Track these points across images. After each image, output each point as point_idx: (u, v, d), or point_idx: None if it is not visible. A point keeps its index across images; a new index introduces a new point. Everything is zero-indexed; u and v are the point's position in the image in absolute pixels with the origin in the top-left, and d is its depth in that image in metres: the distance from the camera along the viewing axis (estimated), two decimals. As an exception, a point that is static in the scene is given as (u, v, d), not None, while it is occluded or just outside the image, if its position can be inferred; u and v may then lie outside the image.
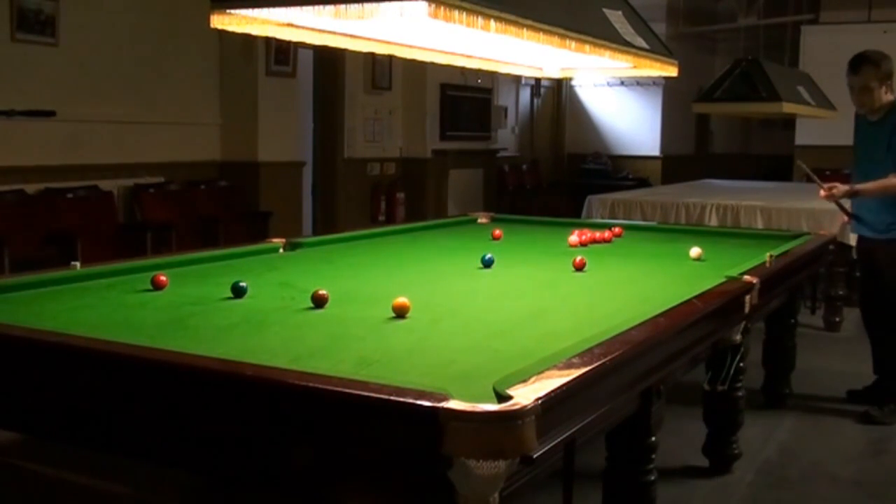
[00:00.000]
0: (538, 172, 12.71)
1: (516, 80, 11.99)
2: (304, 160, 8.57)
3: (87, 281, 2.96)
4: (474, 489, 1.56)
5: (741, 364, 3.43)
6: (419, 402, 1.61)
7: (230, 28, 2.64)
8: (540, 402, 1.62)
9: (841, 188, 4.44)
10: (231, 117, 7.77)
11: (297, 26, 2.84)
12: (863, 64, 4.38)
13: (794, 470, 3.74)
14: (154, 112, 7.05)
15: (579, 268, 3.41)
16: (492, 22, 2.45)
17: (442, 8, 2.24)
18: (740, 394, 3.62)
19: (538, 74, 4.52)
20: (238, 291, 2.76)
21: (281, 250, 3.81)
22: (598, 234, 4.39)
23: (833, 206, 4.87)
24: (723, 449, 3.65)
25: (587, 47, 3.04)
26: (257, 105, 7.69)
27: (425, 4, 2.21)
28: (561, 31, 2.81)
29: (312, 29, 2.90)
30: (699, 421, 3.64)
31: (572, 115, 13.50)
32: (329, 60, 8.75)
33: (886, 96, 4.37)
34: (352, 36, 3.10)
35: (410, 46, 3.41)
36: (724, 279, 3.13)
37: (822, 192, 4.48)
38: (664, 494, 2.78)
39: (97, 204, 6.50)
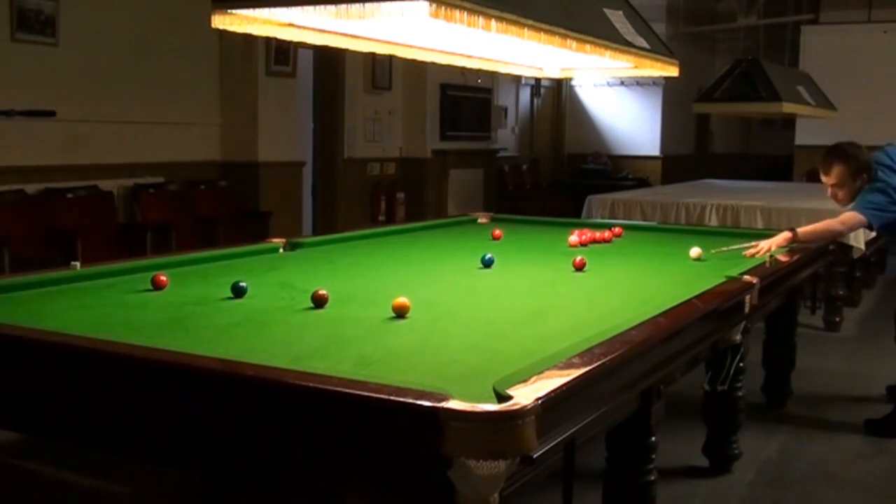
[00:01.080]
0: (538, 172, 12.71)
1: (516, 80, 11.99)
2: (304, 160, 8.57)
3: (87, 281, 2.96)
4: (474, 489, 1.56)
5: (741, 364, 3.42)
6: (419, 402, 1.61)
7: (231, 28, 2.65)
8: (540, 402, 1.62)
9: (777, 238, 3.96)
10: (231, 117, 7.77)
11: (297, 26, 2.84)
12: (833, 164, 4.15)
13: (794, 470, 3.74)
14: (154, 112, 7.05)
15: (579, 268, 3.41)
16: (492, 22, 2.45)
17: (442, 8, 2.25)
18: (740, 394, 3.62)
19: (538, 74, 4.52)
20: (238, 291, 2.76)
21: (281, 250, 3.81)
22: (598, 234, 4.39)
23: (832, 206, 4.84)
24: (723, 449, 3.65)
25: (587, 47, 3.04)
26: (257, 105, 7.69)
27: (425, 4, 2.21)
28: (561, 31, 2.81)
29: (313, 29, 2.91)
30: (699, 421, 3.64)
31: (572, 115, 13.51)
32: (329, 60, 8.75)
33: (861, 184, 4.11)
34: (352, 36, 3.10)
35: (410, 46, 3.41)
36: (724, 279, 3.13)
37: (751, 251, 3.87)
38: (664, 494, 2.78)
39: (97, 204, 6.50)
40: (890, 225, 4.12)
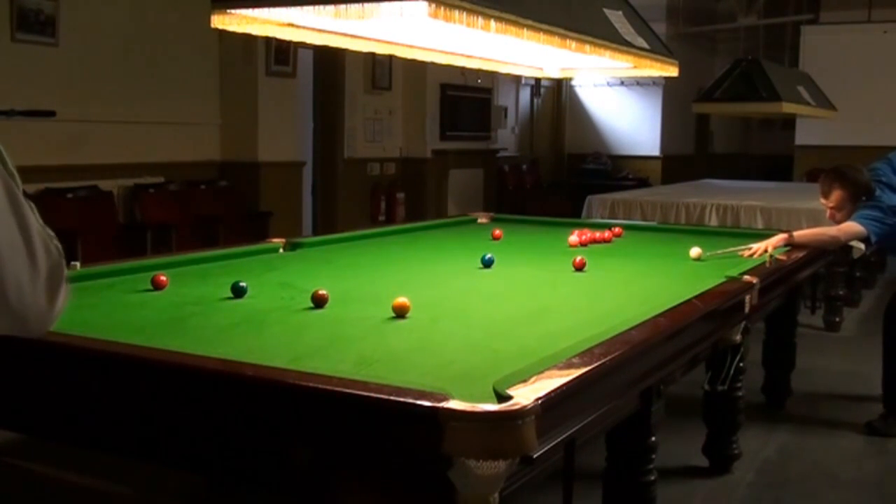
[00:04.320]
0: (538, 172, 12.71)
1: (516, 80, 11.98)
2: (304, 160, 8.57)
3: (87, 281, 2.96)
4: (474, 489, 1.56)
5: (741, 364, 3.42)
6: (419, 402, 1.61)
7: (230, 28, 2.65)
8: (540, 402, 1.62)
9: (774, 239, 3.95)
10: (231, 117, 7.77)
11: (297, 26, 2.84)
12: (833, 188, 4.18)
13: (794, 470, 3.75)
14: (154, 112, 7.05)
15: (579, 268, 3.41)
16: (492, 22, 2.45)
17: (442, 8, 2.25)
18: (740, 394, 3.62)
19: (538, 74, 4.52)
20: (238, 291, 2.76)
21: (281, 250, 3.81)
22: (598, 234, 4.39)
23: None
24: (723, 449, 3.65)
25: (587, 47, 3.04)
26: (257, 105, 7.69)
27: (425, 4, 2.21)
28: (561, 31, 2.81)
29: (312, 29, 2.91)
30: (699, 421, 3.64)
31: (572, 115, 13.50)
32: (329, 60, 8.75)
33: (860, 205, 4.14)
34: (352, 36, 3.10)
35: (410, 46, 3.42)
36: (724, 279, 3.13)
37: (747, 252, 3.83)
38: (664, 494, 2.78)
39: (97, 204, 6.50)
40: (888, 237, 4.13)
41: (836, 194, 4.19)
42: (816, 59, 11.11)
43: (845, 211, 4.19)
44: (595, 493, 2.58)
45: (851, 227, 4.12)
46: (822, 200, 4.28)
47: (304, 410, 1.76)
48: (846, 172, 4.21)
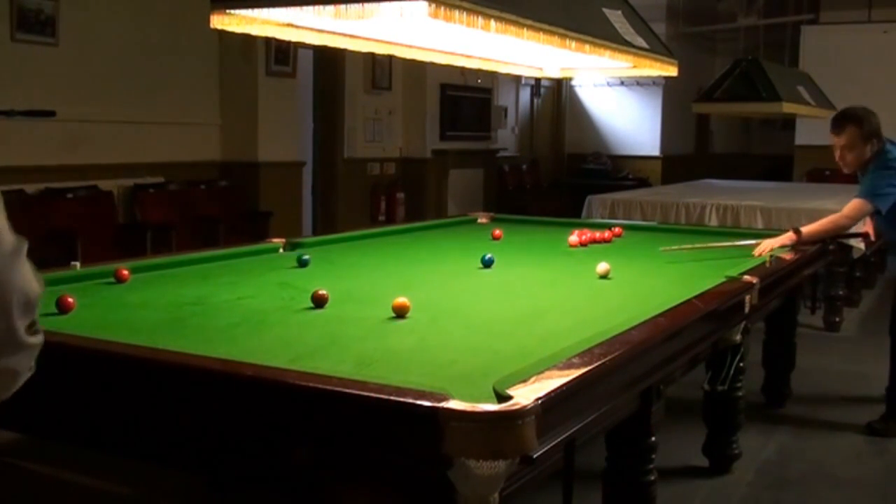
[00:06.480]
0: (538, 172, 12.70)
1: (516, 80, 11.98)
2: (304, 160, 8.57)
3: (87, 281, 2.96)
4: (474, 489, 1.56)
5: (741, 364, 3.42)
6: (419, 402, 1.61)
7: (230, 28, 2.65)
8: (540, 402, 1.62)
9: (779, 238, 3.97)
10: (231, 117, 7.76)
11: (297, 26, 2.84)
12: (846, 124, 4.13)
13: (794, 470, 3.74)
14: (154, 112, 7.05)
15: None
16: (492, 22, 2.45)
17: (442, 8, 2.25)
18: (740, 394, 3.62)
19: (538, 74, 4.52)
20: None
21: (281, 250, 3.82)
22: (598, 234, 4.39)
23: (832, 206, 4.83)
24: (723, 449, 3.65)
25: (587, 47, 3.04)
26: (257, 105, 7.68)
27: (425, 4, 2.21)
28: (561, 31, 2.81)
29: (312, 29, 2.91)
30: (699, 421, 3.64)
31: (572, 115, 13.50)
32: (329, 60, 8.75)
33: (871, 151, 4.11)
34: (352, 36, 3.10)
35: (410, 46, 3.42)
36: (724, 279, 3.13)
37: (757, 250, 3.88)
38: (664, 494, 2.78)
39: (97, 204, 6.50)
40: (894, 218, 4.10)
41: (849, 131, 4.11)
42: (816, 59, 11.10)
43: (856, 153, 4.11)
44: (595, 493, 2.58)
45: (857, 206, 4.07)
46: (835, 139, 4.18)
47: (304, 410, 1.76)
48: (859, 111, 4.18)
